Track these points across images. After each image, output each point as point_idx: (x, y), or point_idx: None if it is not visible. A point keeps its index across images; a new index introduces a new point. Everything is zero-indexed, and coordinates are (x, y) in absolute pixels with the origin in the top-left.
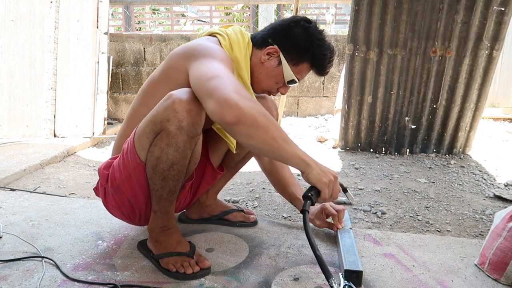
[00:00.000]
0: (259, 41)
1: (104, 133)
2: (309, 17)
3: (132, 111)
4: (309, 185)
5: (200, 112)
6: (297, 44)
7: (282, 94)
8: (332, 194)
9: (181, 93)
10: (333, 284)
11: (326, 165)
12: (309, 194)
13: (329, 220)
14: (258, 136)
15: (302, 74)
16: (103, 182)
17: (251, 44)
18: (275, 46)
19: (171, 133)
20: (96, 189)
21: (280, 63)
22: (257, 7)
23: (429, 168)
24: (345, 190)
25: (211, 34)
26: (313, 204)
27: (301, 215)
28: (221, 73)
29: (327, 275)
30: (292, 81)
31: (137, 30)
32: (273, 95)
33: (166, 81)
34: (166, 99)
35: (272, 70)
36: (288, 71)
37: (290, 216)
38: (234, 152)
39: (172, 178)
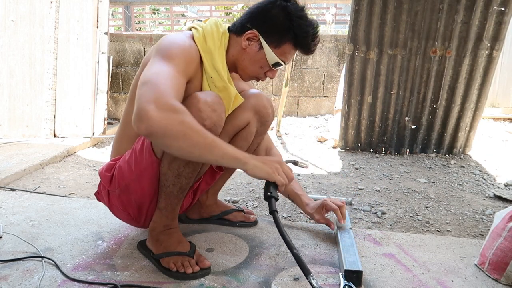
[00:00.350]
0: (238, 27)
1: (104, 133)
2: (309, 17)
3: (125, 112)
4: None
5: (222, 113)
6: (276, 25)
7: (271, 78)
8: (287, 177)
9: (206, 94)
10: (312, 281)
11: (326, 165)
12: (269, 193)
13: (330, 216)
14: (174, 145)
15: (287, 56)
16: (106, 185)
17: (227, 34)
18: (254, 30)
19: None
20: (98, 194)
21: (261, 47)
22: None
23: (429, 168)
24: (296, 163)
25: (190, 29)
26: (277, 200)
27: (301, 215)
28: (154, 78)
29: (306, 272)
30: (277, 64)
31: (137, 30)
32: (261, 80)
33: None
34: (192, 98)
35: (255, 55)
36: (270, 54)
37: (290, 216)
38: None
39: (186, 175)
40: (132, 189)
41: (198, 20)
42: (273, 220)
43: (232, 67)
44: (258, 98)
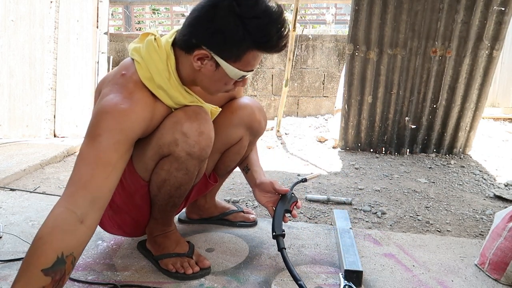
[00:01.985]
0: (183, 45)
1: None
2: (309, 17)
3: None
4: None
5: (211, 133)
6: (228, 36)
7: (242, 86)
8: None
9: (190, 116)
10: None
11: (326, 165)
12: (273, 233)
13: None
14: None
15: (253, 63)
16: None
17: (171, 55)
18: (203, 49)
19: (181, 159)
20: None
21: (218, 65)
22: None
23: (429, 168)
24: (305, 180)
25: (132, 58)
26: (283, 236)
27: (301, 215)
28: (75, 180)
29: (295, 278)
30: (243, 76)
31: (137, 30)
32: (232, 91)
33: None
34: (175, 122)
35: (213, 75)
36: (232, 70)
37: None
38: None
39: (177, 196)
40: (126, 209)
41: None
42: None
43: (193, 83)
44: (250, 112)
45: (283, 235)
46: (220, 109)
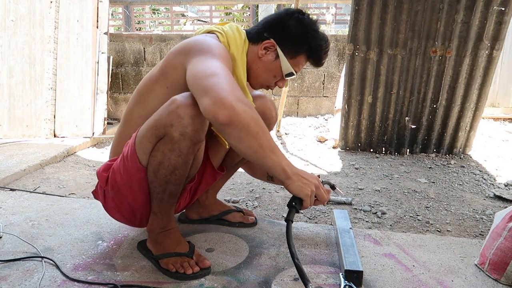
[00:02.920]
0: (255, 36)
1: (104, 133)
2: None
3: (127, 112)
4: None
5: (205, 117)
6: (293, 36)
7: (280, 87)
8: (320, 200)
9: (186, 98)
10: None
11: (326, 165)
12: (293, 203)
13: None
14: (247, 141)
15: (299, 66)
16: (102, 185)
17: (247, 41)
18: (272, 40)
19: (174, 139)
20: (95, 192)
21: (277, 56)
22: (257, 7)
23: (429, 168)
24: (333, 188)
25: (209, 32)
26: (298, 212)
27: (301, 215)
28: (219, 71)
29: (305, 282)
30: (290, 74)
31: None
32: (271, 88)
33: (162, 80)
34: (170, 103)
35: (270, 64)
36: (286, 64)
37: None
38: (227, 147)
39: (173, 182)
40: (124, 193)
41: (199, 20)
42: (286, 226)
43: (248, 71)
44: (262, 100)
45: (297, 211)
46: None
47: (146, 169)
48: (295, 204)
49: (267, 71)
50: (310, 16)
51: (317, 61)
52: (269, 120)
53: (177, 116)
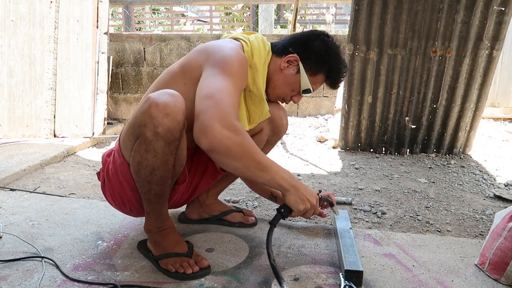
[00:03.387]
0: (280, 49)
1: (104, 133)
2: (309, 17)
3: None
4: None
5: (178, 116)
6: (316, 55)
7: (295, 102)
8: (306, 215)
9: (158, 96)
10: (285, 286)
11: (326, 165)
12: (282, 210)
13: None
14: (231, 164)
15: (317, 85)
16: (103, 169)
17: (271, 53)
18: (295, 55)
19: (147, 139)
20: (98, 174)
21: (298, 71)
22: (257, 7)
23: (429, 168)
24: (331, 205)
25: (235, 39)
26: (283, 219)
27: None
28: (217, 94)
29: (280, 281)
30: (307, 91)
31: (137, 30)
32: (285, 102)
33: (181, 75)
34: (145, 101)
35: (290, 78)
36: (305, 80)
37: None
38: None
39: (156, 182)
40: (113, 181)
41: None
42: (268, 229)
43: (267, 82)
44: (275, 108)
45: (283, 217)
46: (270, 115)
47: (129, 165)
48: (283, 211)
49: (286, 84)
50: (335, 40)
51: (334, 83)
52: (279, 128)
53: (149, 116)
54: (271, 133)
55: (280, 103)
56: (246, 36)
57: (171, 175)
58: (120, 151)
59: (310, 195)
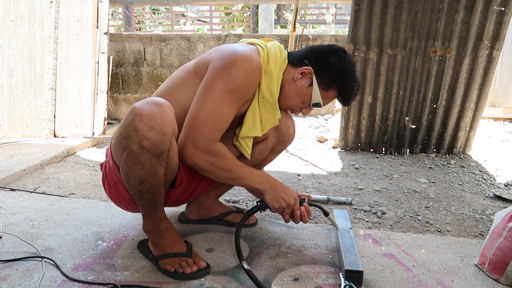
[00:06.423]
0: (295, 59)
1: (104, 133)
2: (309, 17)
3: (157, 95)
4: None
5: (163, 128)
6: (331, 70)
7: (304, 114)
8: (293, 218)
9: (143, 106)
10: (244, 264)
11: (326, 165)
12: (258, 203)
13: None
14: (206, 175)
15: (328, 100)
16: (105, 162)
17: (287, 61)
18: (310, 68)
19: (134, 152)
20: (101, 165)
21: (311, 84)
22: (257, 7)
23: (429, 168)
24: (326, 214)
25: (252, 44)
26: (260, 211)
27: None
28: (203, 118)
29: (240, 259)
30: (318, 104)
31: (137, 30)
32: (294, 113)
33: (193, 74)
34: (130, 112)
35: (302, 90)
36: (317, 93)
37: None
38: (249, 159)
39: (146, 191)
40: (109, 178)
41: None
42: (243, 215)
43: (280, 90)
44: (284, 117)
45: (259, 210)
46: (279, 123)
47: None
48: (259, 205)
49: (297, 95)
50: (351, 58)
51: (346, 100)
52: (284, 137)
53: (133, 129)
54: (277, 141)
55: (290, 114)
56: (263, 42)
57: (162, 183)
58: (112, 156)
59: (288, 195)
